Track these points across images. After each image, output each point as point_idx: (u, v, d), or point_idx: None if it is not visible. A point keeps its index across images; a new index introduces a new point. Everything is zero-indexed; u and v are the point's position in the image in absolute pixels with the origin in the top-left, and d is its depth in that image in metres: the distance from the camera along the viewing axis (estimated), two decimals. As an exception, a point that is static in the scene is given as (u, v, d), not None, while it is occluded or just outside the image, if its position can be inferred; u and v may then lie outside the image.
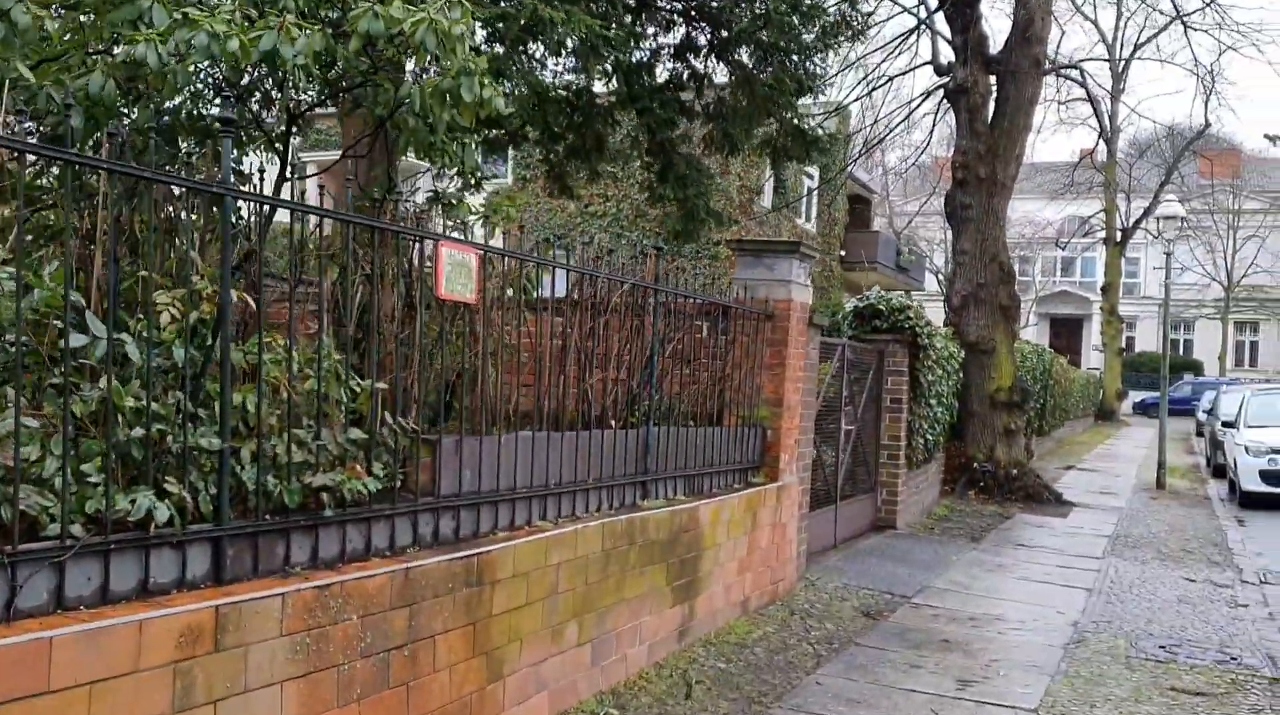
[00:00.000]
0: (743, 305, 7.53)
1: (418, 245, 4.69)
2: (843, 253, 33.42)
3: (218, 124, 3.55)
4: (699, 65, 9.74)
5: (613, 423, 6.12)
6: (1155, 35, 32.00)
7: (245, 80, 5.78)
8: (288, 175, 5.24)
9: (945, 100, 17.12)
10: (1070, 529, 12.89)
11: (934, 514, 13.20)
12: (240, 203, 4.08)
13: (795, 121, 8.77)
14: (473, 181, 10.47)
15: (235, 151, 5.80)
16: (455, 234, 5.08)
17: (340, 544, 4.01)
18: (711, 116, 9.07)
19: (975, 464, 14.95)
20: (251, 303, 3.75)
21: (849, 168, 25.65)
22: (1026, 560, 10.58)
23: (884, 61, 19.86)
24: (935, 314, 16.32)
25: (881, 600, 8.35)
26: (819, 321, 8.83)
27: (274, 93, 5.68)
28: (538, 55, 10.22)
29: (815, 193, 29.13)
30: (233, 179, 3.72)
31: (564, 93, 10.03)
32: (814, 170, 28.24)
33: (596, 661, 5.47)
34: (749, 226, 24.89)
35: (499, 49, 9.12)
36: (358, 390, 4.21)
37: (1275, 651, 7.37)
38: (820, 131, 9.40)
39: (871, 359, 11.40)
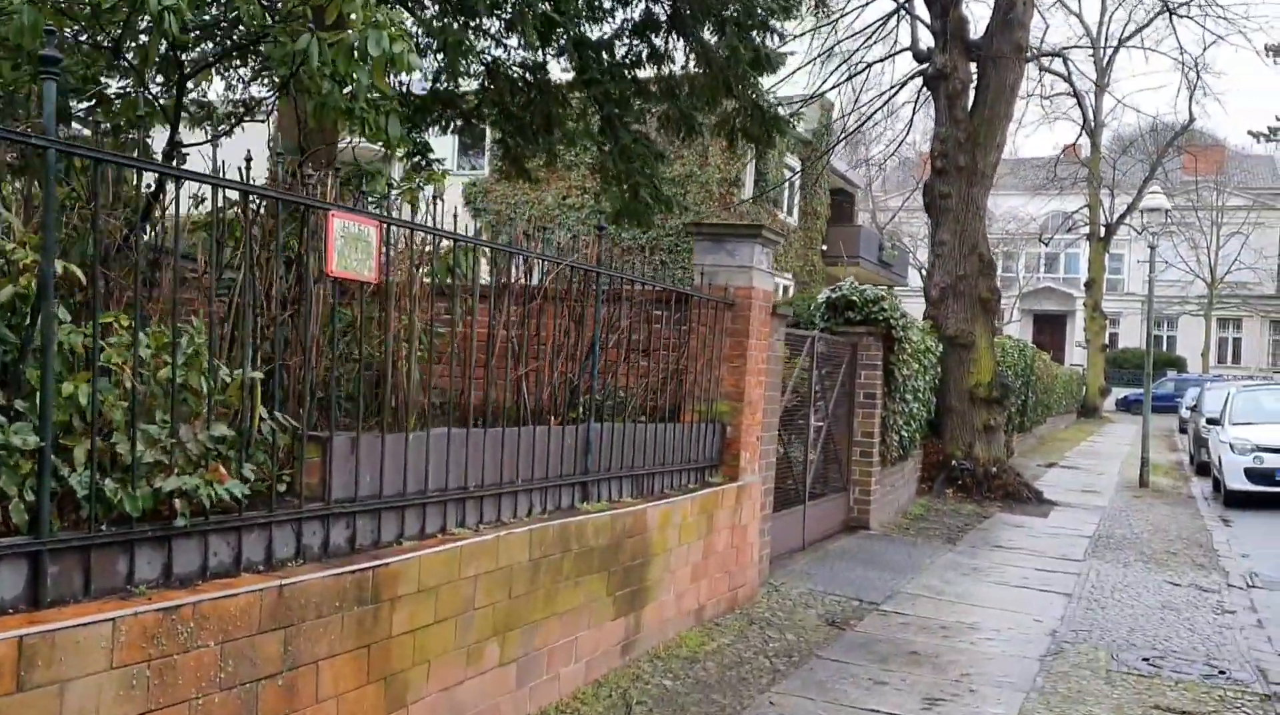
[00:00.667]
0: (699, 292, 7.00)
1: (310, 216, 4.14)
2: (824, 247, 32.94)
3: (41, 64, 2.99)
4: (659, 43, 9.21)
5: (551, 418, 5.59)
6: (1141, 28, 31.60)
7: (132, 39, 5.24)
8: (178, 141, 4.71)
9: (925, 87, 16.63)
10: (1051, 529, 12.43)
11: (909, 513, 12.71)
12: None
13: (754, 97, 8.21)
14: (424, 162, 9.82)
15: (133, 120, 5.26)
16: (363, 205, 4.54)
17: (202, 558, 3.46)
18: (666, 93, 8.52)
19: (953, 461, 14.47)
20: (83, 277, 3.19)
21: (827, 156, 25.14)
22: (1004, 563, 10.10)
23: (861, 48, 19.37)
24: (919, 309, 15.82)
25: (849, 607, 7.85)
26: (784, 311, 8.32)
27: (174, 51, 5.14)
28: (493, 31, 9.69)
29: (796, 185, 28.60)
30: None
31: (519, 69, 9.51)
32: (795, 162, 27.76)
33: (523, 683, 4.94)
34: (728, 219, 24.37)
35: (451, 23, 8.59)
36: (229, 380, 3.67)
37: (1266, 664, 6.89)
38: (781, 110, 8.83)
39: (844, 352, 10.90)
